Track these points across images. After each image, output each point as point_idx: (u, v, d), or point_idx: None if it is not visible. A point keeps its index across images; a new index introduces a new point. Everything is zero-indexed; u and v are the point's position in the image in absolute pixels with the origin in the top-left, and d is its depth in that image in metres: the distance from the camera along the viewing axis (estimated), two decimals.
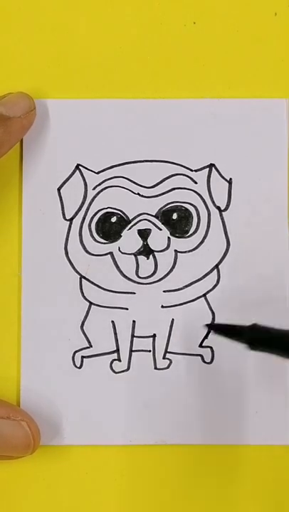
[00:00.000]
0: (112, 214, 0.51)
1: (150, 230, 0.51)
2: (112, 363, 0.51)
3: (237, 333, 0.45)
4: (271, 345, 0.44)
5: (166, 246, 0.51)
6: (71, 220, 0.51)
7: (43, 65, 0.52)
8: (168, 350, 0.51)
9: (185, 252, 0.51)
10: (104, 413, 0.51)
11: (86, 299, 0.51)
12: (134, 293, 0.51)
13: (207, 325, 0.50)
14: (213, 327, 0.50)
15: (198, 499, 0.51)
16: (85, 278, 0.51)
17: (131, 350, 0.51)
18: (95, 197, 0.52)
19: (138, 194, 0.51)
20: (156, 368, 0.51)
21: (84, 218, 0.51)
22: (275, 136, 0.52)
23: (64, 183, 0.52)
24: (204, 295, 0.51)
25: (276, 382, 0.51)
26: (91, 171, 0.52)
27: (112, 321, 0.51)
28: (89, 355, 0.51)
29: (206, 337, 0.51)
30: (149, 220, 0.51)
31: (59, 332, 0.51)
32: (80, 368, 0.51)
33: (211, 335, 0.50)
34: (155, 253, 0.51)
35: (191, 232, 0.51)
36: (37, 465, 0.51)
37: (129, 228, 0.51)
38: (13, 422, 0.48)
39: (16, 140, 0.50)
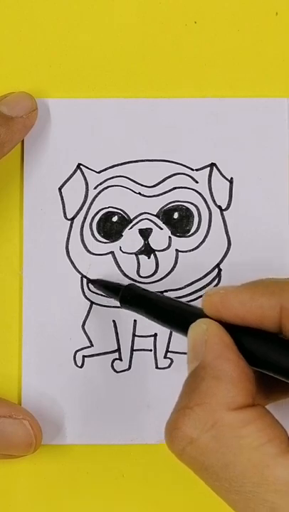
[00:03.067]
0: (113, 213, 0.51)
1: (151, 229, 0.51)
2: (113, 362, 0.51)
3: (113, 289, 0.49)
4: (138, 305, 0.47)
5: (167, 245, 0.51)
6: (72, 219, 0.51)
7: (44, 65, 0.52)
8: (169, 350, 0.51)
9: (186, 251, 0.51)
10: (105, 412, 0.51)
11: (87, 299, 0.51)
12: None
13: (89, 280, 0.51)
14: (95, 281, 0.51)
15: (200, 499, 0.51)
16: (86, 277, 0.51)
17: (132, 350, 0.51)
18: (96, 196, 0.52)
19: (139, 193, 0.51)
20: (157, 368, 0.51)
21: (85, 218, 0.51)
22: (276, 136, 0.52)
23: (65, 182, 0.52)
24: None
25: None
26: (92, 170, 0.52)
27: (113, 321, 0.51)
28: (90, 354, 0.51)
29: None
30: (150, 220, 0.51)
31: (60, 331, 0.51)
32: (81, 367, 0.51)
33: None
34: (156, 252, 0.51)
35: (192, 231, 0.51)
36: (38, 464, 0.51)
37: (130, 228, 0.51)
38: (15, 421, 0.48)
39: (17, 140, 0.50)
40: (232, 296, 0.41)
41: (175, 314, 0.44)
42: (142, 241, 0.51)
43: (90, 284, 0.51)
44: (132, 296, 0.47)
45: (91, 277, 0.51)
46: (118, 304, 0.51)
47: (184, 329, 0.42)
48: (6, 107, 0.49)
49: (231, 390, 0.39)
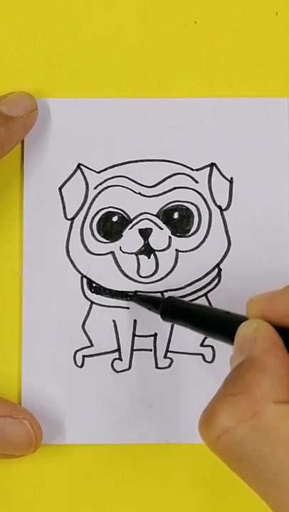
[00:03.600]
0: (113, 213, 0.51)
1: (151, 229, 0.51)
2: (113, 362, 0.51)
3: (154, 302, 0.49)
4: (180, 317, 0.46)
5: (167, 245, 0.51)
6: (72, 219, 0.51)
7: (45, 64, 0.52)
8: (169, 350, 0.51)
9: (186, 251, 0.51)
10: (105, 412, 0.51)
11: (87, 298, 0.51)
12: (136, 292, 0.51)
13: (128, 295, 0.51)
14: (134, 297, 0.51)
15: (200, 499, 0.51)
16: (86, 277, 0.51)
17: (132, 350, 0.51)
18: (96, 196, 0.52)
19: (139, 193, 0.51)
20: (157, 367, 0.51)
21: (85, 218, 0.51)
22: (276, 136, 0.52)
23: (65, 182, 0.52)
24: (205, 294, 0.51)
25: None
26: (92, 170, 0.52)
27: (113, 320, 0.51)
28: (90, 354, 0.51)
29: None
30: (150, 220, 0.51)
31: (60, 331, 0.51)
32: (81, 367, 0.51)
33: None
34: (156, 252, 0.51)
35: (192, 231, 0.51)
36: (38, 464, 0.51)
37: (131, 227, 0.51)
38: (15, 421, 0.48)
39: (18, 140, 0.50)
40: (277, 298, 0.41)
41: (218, 323, 0.44)
42: (142, 241, 0.51)
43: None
44: (173, 308, 0.47)
45: (91, 277, 0.51)
46: (118, 304, 0.51)
47: (229, 337, 0.42)
48: (6, 107, 0.49)
49: (276, 384, 0.38)
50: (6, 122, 0.49)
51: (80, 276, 0.51)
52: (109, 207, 0.51)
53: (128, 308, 0.51)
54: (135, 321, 0.51)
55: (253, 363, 0.39)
